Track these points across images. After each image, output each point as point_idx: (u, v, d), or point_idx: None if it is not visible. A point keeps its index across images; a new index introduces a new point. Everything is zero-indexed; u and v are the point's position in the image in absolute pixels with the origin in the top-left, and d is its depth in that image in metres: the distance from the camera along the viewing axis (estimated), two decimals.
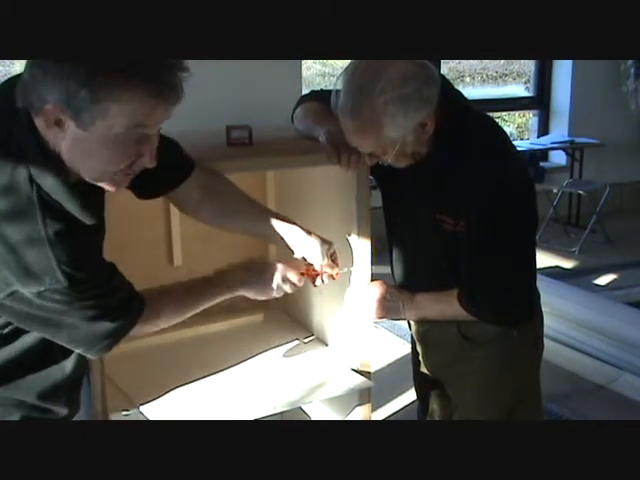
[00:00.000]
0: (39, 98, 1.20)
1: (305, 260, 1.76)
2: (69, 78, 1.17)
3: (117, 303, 1.36)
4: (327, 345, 2.11)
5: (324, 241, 1.75)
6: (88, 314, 1.30)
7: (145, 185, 1.50)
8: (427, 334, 1.97)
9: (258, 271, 1.67)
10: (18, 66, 4.60)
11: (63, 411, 1.45)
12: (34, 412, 1.41)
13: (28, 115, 1.23)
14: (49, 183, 1.23)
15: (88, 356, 1.42)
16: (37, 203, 1.22)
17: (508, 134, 1.86)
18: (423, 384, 2.10)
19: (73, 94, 1.18)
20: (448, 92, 1.70)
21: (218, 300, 1.60)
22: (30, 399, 1.40)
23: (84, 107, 1.19)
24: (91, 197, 1.31)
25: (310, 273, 1.76)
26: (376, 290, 1.87)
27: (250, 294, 1.67)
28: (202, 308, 1.58)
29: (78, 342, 1.35)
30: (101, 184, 1.31)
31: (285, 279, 1.67)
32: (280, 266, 1.68)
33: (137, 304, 1.41)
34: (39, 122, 1.23)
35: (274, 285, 1.66)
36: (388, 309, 1.87)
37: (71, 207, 1.25)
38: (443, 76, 1.77)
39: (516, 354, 1.87)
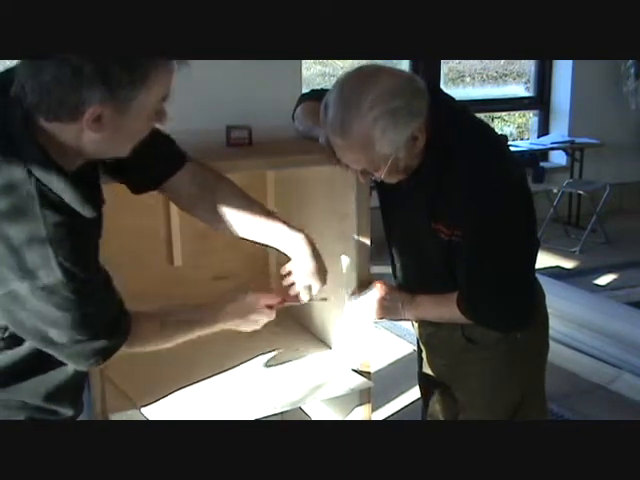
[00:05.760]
0: (77, 104, 1.18)
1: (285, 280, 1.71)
2: (108, 72, 1.17)
3: (108, 318, 1.34)
4: (328, 345, 2.11)
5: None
6: (78, 327, 1.27)
7: (137, 177, 1.50)
8: (431, 337, 1.96)
9: (242, 305, 1.66)
10: None
11: (68, 412, 1.45)
12: (39, 414, 1.40)
13: (22, 109, 1.20)
14: (48, 176, 1.21)
15: (78, 368, 1.40)
16: (36, 195, 1.20)
17: (507, 135, 1.85)
18: (427, 385, 2.10)
19: (116, 86, 1.18)
20: (437, 100, 1.68)
21: (205, 332, 1.60)
22: (35, 401, 1.39)
23: (127, 91, 1.20)
24: (90, 190, 1.30)
25: (287, 300, 1.73)
26: (376, 290, 1.87)
27: (234, 325, 1.67)
28: (188, 338, 1.58)
29: (68, 358, 1.34)
30: None
31: (261, 312, 1.68)
32: (258, 298, 1.68)
33: (126, 323, 1.40)
34: (65, 126, 1.21)
35: (256, 319, 1.67)
36: (387, 309, 1.86)
37: (71, 199, 1.24)
38: (433, 83, 1.75)
39: (520, 356, 1.86)
